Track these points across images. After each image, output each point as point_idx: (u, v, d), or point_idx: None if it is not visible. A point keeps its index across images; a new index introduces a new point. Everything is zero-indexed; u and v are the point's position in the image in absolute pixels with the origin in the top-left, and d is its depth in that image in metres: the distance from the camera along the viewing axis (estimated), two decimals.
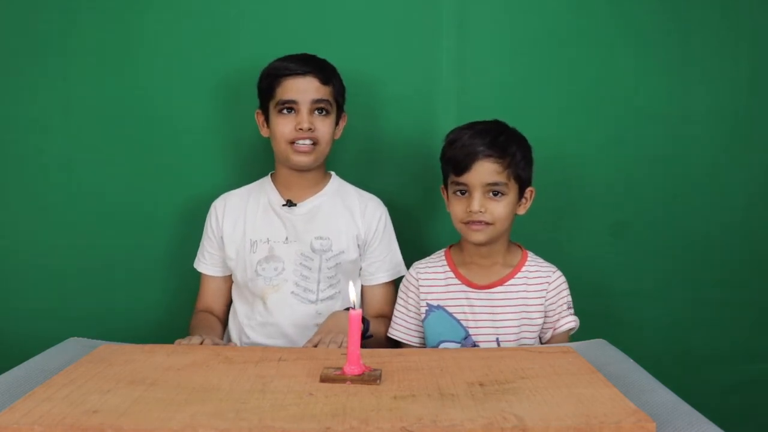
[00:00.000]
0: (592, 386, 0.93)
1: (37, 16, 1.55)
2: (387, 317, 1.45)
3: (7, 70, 1.56)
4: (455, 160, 1.28)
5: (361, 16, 1.58)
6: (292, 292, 1.40)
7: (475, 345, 1.32)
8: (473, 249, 1.33)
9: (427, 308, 1.36)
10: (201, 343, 1.18)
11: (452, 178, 1.31)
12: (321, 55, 1.43)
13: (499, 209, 1.28)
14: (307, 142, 1.38)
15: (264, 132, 1.44)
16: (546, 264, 1.35)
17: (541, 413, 0.83)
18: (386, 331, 1.42)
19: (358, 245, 1.44)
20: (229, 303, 1.50)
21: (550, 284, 1.32)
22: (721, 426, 0.88)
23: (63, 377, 0.95)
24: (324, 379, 0.94)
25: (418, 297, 1.37)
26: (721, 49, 1.62)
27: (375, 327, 1.39)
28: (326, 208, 1.44)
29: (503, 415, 0.83)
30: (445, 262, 1.38)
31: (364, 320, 1.32)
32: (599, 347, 1.19)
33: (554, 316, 1.33)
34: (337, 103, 1.43)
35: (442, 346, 1.34)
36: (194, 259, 1.50)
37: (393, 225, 1.50)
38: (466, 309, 1.33)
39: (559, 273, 1.34)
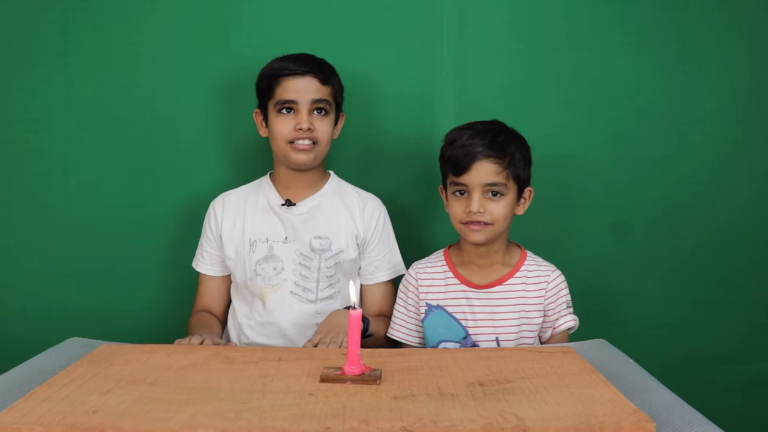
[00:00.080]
0: (592, 386, 0.93)
1: (37, 16, 1.55)
2: (386, 316, 1.45)
3: (7, 70, 1.56)
4: (454, 161, 1.28)
5: (360, 16, 1.58)
6: (292, 292, 1.40)
7: (474, 345, 1.32)
8: (472, 249, 1.33)
9: (426, 308, 1.36)
10: (201, 343, 1.18)
11: (451, 178, 1.31)
12: (321, 55, 1.43)
13: (498, 209, 1.28)
14: (307, 141, 1.38)
15: (263, 132, 1.45)
16: (545, 263, 1.36)
17: (541, 413, 0.83)
18: (386, 330, 1.42)
19: (357, 244, 1.44)
20: (228, 303, 1.50)
21: (549, 283, 1.32)
22: (721, 426, 0.88)
23: (63, 377, 0.95)
24: (324, 379, 0.94)
25: (418, 297, 1.37)
26: (721, 49, 1.61)
27: (375, 326, 1.39)
28: (325, 208, 1.44)
29: (503, 415, 0.82)
30: (444, 262, 1.38)
31: (364, 319, 1.32)
32: (599, 347, 1.19)
33: (553, 315, 1.33)
34: (336, 102, 1.43)
35: (441, 345, 1.34)
36: (193, 258, 1.50)
37: (392, 224, 1.50)
38: (466, 309, 1.33)
39: (558, 272, 1.34)
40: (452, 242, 1.41)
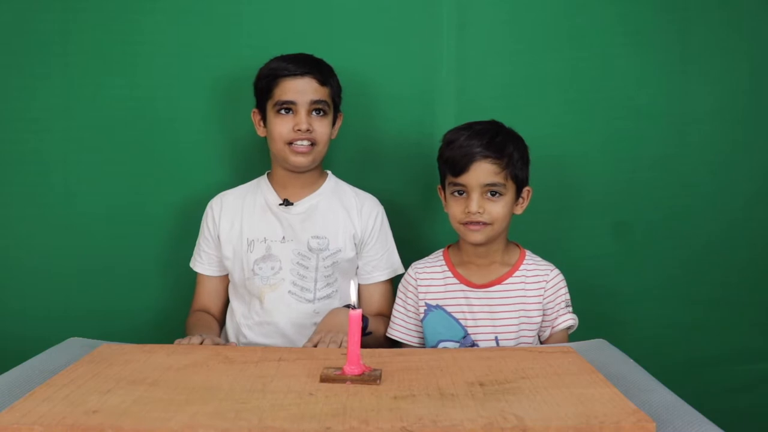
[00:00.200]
0: (592, 386, 0.93)
1: (37, 16, 1.54)
2: (385, 315, 1.45)
3: (7, 70, 1.56)
4: (453, 161, 1.28)
5: (360, 16, 1.58)
6: (290, 291, 1.40)
7: (474, 344, 1.32)
8: (471, 249, 1.34)
9: (425, 308, 1.36)
10: (201, 343, 1.18)
11: (450, 178, 1.31)
12: (320, 55, 1.43)
13: (497, 209, 1.28)
14: (305, 143, 1.38)
15: (260, 132, 1.44)
16: (544, 262, 1.36)
17: (541, 413, 0.83)
18: (385, 329, 1.42)
19: (355, 244, 1.44)
20: (226, 303, 1.50)
21: (548, 282, 1.33)
22: (721, 426, 0.88)
23: (63, 377, 0.95)
24: (324, 379, 0.94)
25: (417, 297, 1.38)
26: (721, 49, 1.61)
27: (373, 325, 1.40)
28: (323, 207, 1.44)
29: (503, 415, 0.82)
30: (443, 262, 1.38)
31: (364, 317, 1.32)
32: (599, 347, 1.19)
33: (552, 314, 1.33)
34: (334, 103, 1.43)
35: (441, 345, 1.34)
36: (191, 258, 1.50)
37: (391, 225, 1.50)
38: (465, 308, 1.34)
39: (557, 271, 1.34)
40: (451, 242, 1.41)
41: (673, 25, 1.60)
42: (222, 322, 1.49)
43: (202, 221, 1.47)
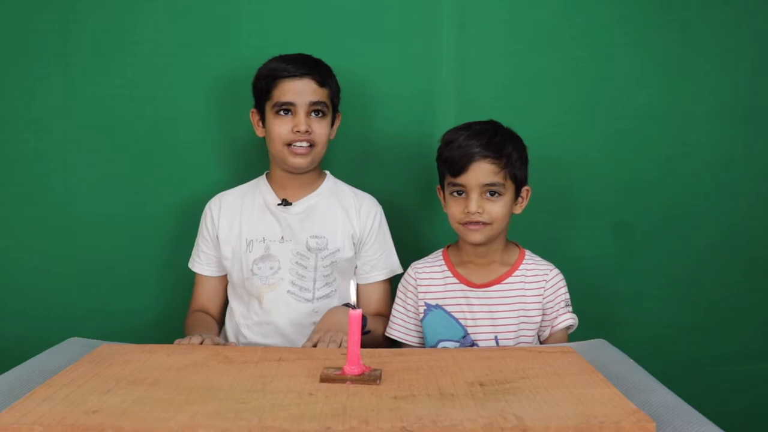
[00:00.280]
0: (592, 386, 0.92)
1: (37, 16, 1.54)
2: (383, 315, 1.45)
3: (7, 70, 1.56)
4: (452, 161, 1.29)
5: (360, 16, 1.58)
6: (289, 291, 1.41)
7: (473, 344, 1.32)
8: (471, 249, 1.34)
9: (425, 308, 1.36)
10: (201, 343, 1.18)
11: (449, 179, 1.31)
12: (321, 55, 1.43)
13: (496, 209, 1.28)
14: (304, 144, 1.38)
15: (259, 132, 1.44)
16: (543, 262, 1.36)
17: (541, 413, 0.83)
18: (384, 329, 1.42)
19: (354, 243, 1.44)
20: (224, 303, 1.50)
21: (547, 282, 1.33)
22: (721, 426, 0.88)
23: (63, 377, 0.94)
24: (324, 379, 0.94)
25: (417, 297, 1.38)
26: (721, 49, 1.61)
27: (372, 324, 1.40)
28: (321, 207, 1.44)
29: (503, 415, 0.82)
30: (443, 262, 1.38)
31: (363, 315, 1.32)
32: (599, 347, 1.19)
33: (552, 313, 1.33)
34: (333, 104, 1.43)
35: (440, 345, 1.34)
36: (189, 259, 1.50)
37: (391, 225, 1.50)
38: (465, 308, 1.34)
39: (556, 271, 1.34)
40: (450, 242, 1.41)
41: (673, 25, 1.60)
42: (221, 323, 1.48)
43: (201, 222, 1.47)
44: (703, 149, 1.63)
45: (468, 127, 1.31)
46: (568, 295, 1.35)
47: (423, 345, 1.38)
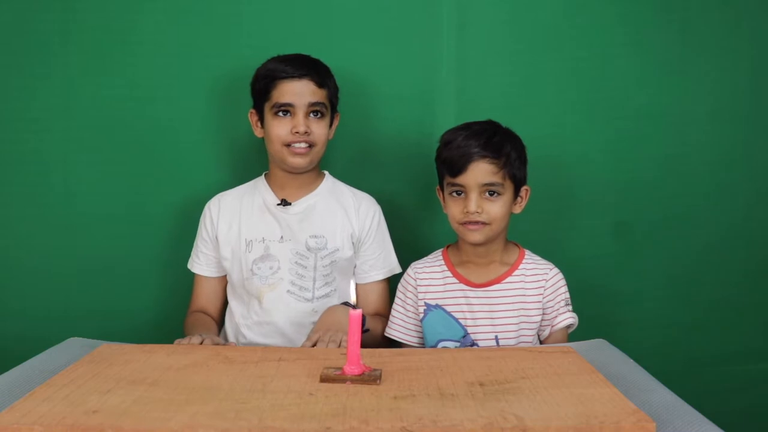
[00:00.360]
0: (592, 386, 0.92)
1: (37, 16, 1.54)
2: (382, 314, 1.45)
3: (7, 70, 1.56)
4: (451, 162, 1.29)
5: (360, 16, 1.58)
6: (288, 291, 1.41)
7: (473, 343, 1.32)
8: (470, 248, 1.34)
9: (425, 308, 1.36)
10: (201, 343, 1.18)
11: (448, 179, 1.31)
12: (320, 55, 1.43)
13: (495, 209, 1.28)
14: (303, 144, 1.38)
15: (258, 132, 1.44)
16: (543, 261, 1.36)
17: (541, 413, 0.83)
18: (383, 328, 1.42)
19: (353, 243, 1.44)
20: (224, 304, 1.50)
21: (547, 281, 1.33)
22: (721, 426, 0.88)
23: (63, 377, 0.94)
24: (324, 379, 0.94)
25: (417, 297, 1.37)
26: (721, 49, 1.61)
27: (371, 323, 1.40)
28: (320, 207, 1.44)
29: (503, 415, 0.82)
30: (442, 262, 1.38)
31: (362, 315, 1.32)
32: (599, 347, 1.19)
33: (552, 313, 1.33)
34: (331, 104, 1.43)
35: (440, 345, 1.34)
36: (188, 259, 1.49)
37: (390, 225, 1.50)
38: (465, 308, 1.33)
39: (556, 270, 1.34)
40: (450, 242, 1.41)
41: (673, 25, 1.60)
42: (220, 323, 1.48)
43: (200, 222, 1.47)
44: (703, 149, 1.63)
45: (467, 127, 1.31)
46: (568, 295, 1.35)
47: (423, 345, 1.38)
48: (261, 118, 1.42)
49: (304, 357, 1.06)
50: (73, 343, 1.20)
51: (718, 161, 1.63)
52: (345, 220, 1.45)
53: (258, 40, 1.55)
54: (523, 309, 1.32)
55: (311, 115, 1.39)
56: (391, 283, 1.48)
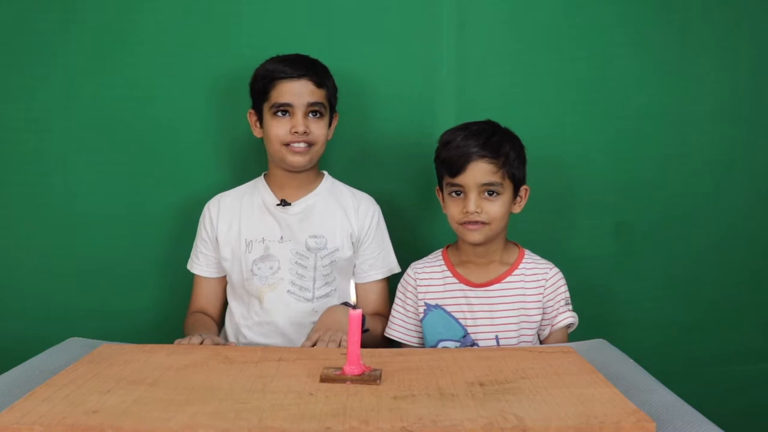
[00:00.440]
0: (593, 386, 0.92)
1: (37, 16, 1.54)
2: (381, 314, 1.46)
3: (7, 70, 1.55)
4: (450, 162, 1.29)
5: (360, 16, 1.58)
6: (288, 291, 1.40)
7: (473, 344, 1.32)
8: (470, 248, 1.34)
9: (425, 308, 1.36)
10: (201, 343, 1.18)
11: (447, 179, 1.31)
12: (320, 55, 1.43)
13: (495, 209, 1.28)
14: (302, 144, 1.38)
15: (257, 133, 1.44)
16: (543, 261, 1.36)
17: (541, 413, 0.83)
18: (382, 328, 1.42)
19: (352, 243, 1.44)
20: (224, 304, 1.50)
21: (547, 281, 1.33)
22: (721, 426, 0.88)
23: (63, 377, 0.94)
24: (324, 379, 0.93)
25: (417, 297, 1.37)
26: (721, 49, 1.61)
27: (371, 323, 1.40)
28: (320, 207, 1.44)
29: (503, 415, 0.82)
30: (442, 262, 1.38)
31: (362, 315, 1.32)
32: (599, 347, 1.19)
33: (552, 312, 1.33)
34: (330, 104, 1.43)
35: (440, 345, 1.34)
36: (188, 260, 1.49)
37: (390, 225, 1.50)
38: (465, 308, 1.33)
39: (556, 270, 1.34)
40: (450, 242, 1.41)
41: (673, 25, 1.59)
42: (220, 324, 1.48)
43: (200, 223, 1.47)
44: (703, 149, 1.63)
45: (465, 127, 1.31)
46: (568, 294, 1.35)
47: (423, 345, 1.38)
48: (260, 119, 1.42)
49: (304, 357, 1.06)
50: (73, 343, 1.20)
51: (718, 161, 1.63)
52: (344, 219, 1.44)
53: (258, 40, 1.54)
54: (523, 309, 1.32)
55: (310, 115, 1.39)
56: (391, 283, 1.48)
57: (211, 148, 1.59)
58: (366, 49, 1.58)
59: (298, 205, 1.44)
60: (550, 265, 1.35)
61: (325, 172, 1.50)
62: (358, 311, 0.93)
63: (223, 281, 1.49)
